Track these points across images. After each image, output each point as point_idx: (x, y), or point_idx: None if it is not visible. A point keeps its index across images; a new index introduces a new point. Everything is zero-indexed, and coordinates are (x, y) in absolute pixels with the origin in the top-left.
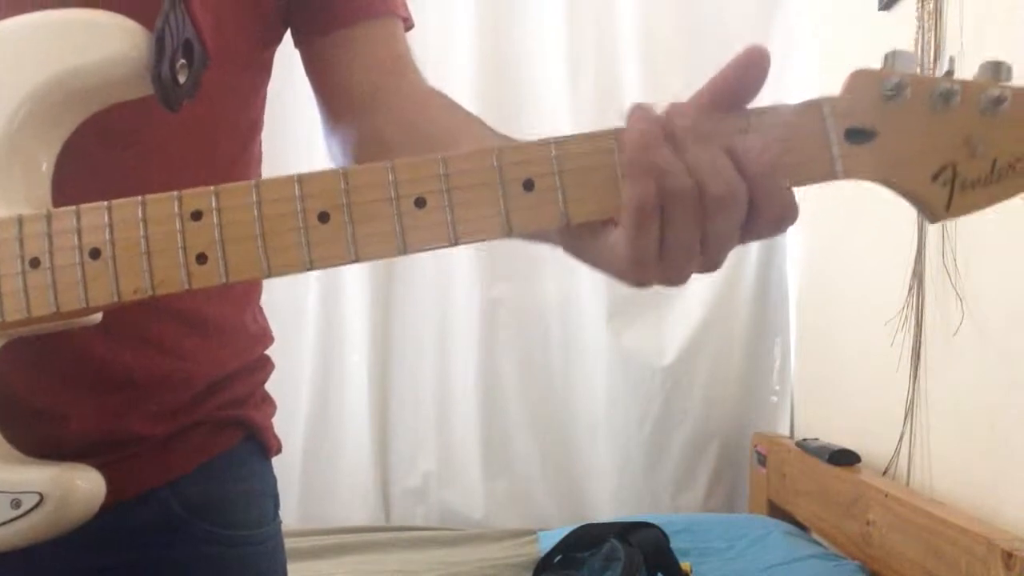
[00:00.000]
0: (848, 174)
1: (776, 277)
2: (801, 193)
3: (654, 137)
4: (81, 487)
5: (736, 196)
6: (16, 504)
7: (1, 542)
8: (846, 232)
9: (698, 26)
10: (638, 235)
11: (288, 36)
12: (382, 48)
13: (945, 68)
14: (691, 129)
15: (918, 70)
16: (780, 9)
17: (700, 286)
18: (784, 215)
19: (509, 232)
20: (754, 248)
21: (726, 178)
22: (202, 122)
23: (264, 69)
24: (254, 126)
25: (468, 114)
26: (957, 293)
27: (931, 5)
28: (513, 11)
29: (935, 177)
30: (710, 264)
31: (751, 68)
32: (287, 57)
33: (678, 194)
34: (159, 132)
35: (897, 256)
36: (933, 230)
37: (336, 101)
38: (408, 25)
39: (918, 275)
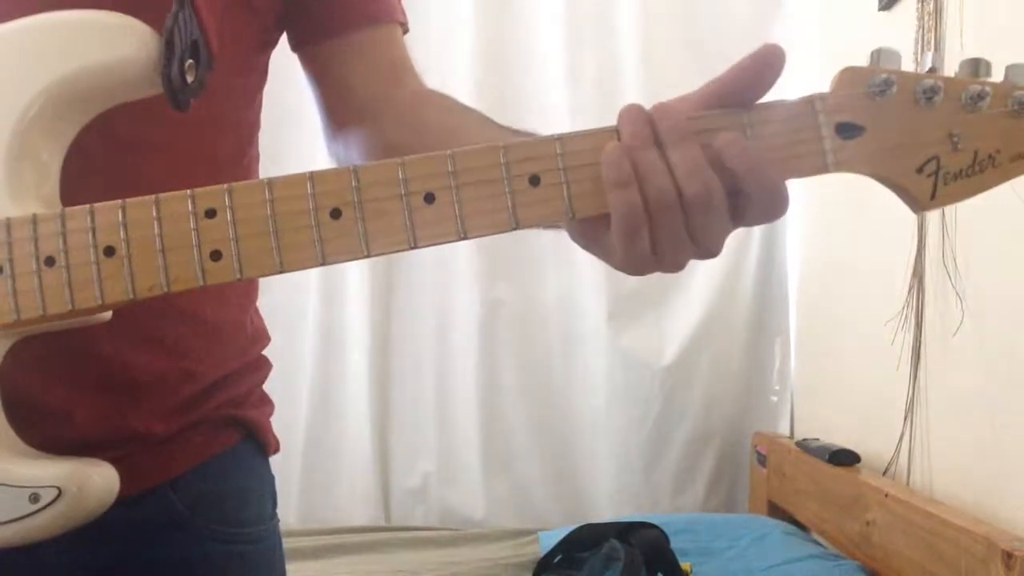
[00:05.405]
0: (839, 167)
1: (776, 277)
2: (803, 193)
3: (642, 140)
4: (97, 482)
5: (712, 193)
6: (35, 498)
7: (19, 536)
8: (846, 232)
9: (698, 25)
10: (629, 242)
11: (284, 40)
12: (381, 54)
13: (928, 66)
14: (675, 129)
15: (903, 67)
16: (780, 9)
17: (700, 286)
18: (775, 204)
19: (516, 226)
20: (754, 248)
21: (702, 178)
22: (203, 123)
23: (261, 72)
24: (253, 127)
25: (469, 109)
26: (957, 293)
27: (931, 5)
28: (513, 12)
29: (920, 169)
30: (705, 253)
31: (768, 65)
32: (287, 59)
33: (661, 198)
34: (161, 133)
35: (897, 256)
36: (933, 230)
37: (337, 107)
38: (405, 30)
39: (918, 275)
